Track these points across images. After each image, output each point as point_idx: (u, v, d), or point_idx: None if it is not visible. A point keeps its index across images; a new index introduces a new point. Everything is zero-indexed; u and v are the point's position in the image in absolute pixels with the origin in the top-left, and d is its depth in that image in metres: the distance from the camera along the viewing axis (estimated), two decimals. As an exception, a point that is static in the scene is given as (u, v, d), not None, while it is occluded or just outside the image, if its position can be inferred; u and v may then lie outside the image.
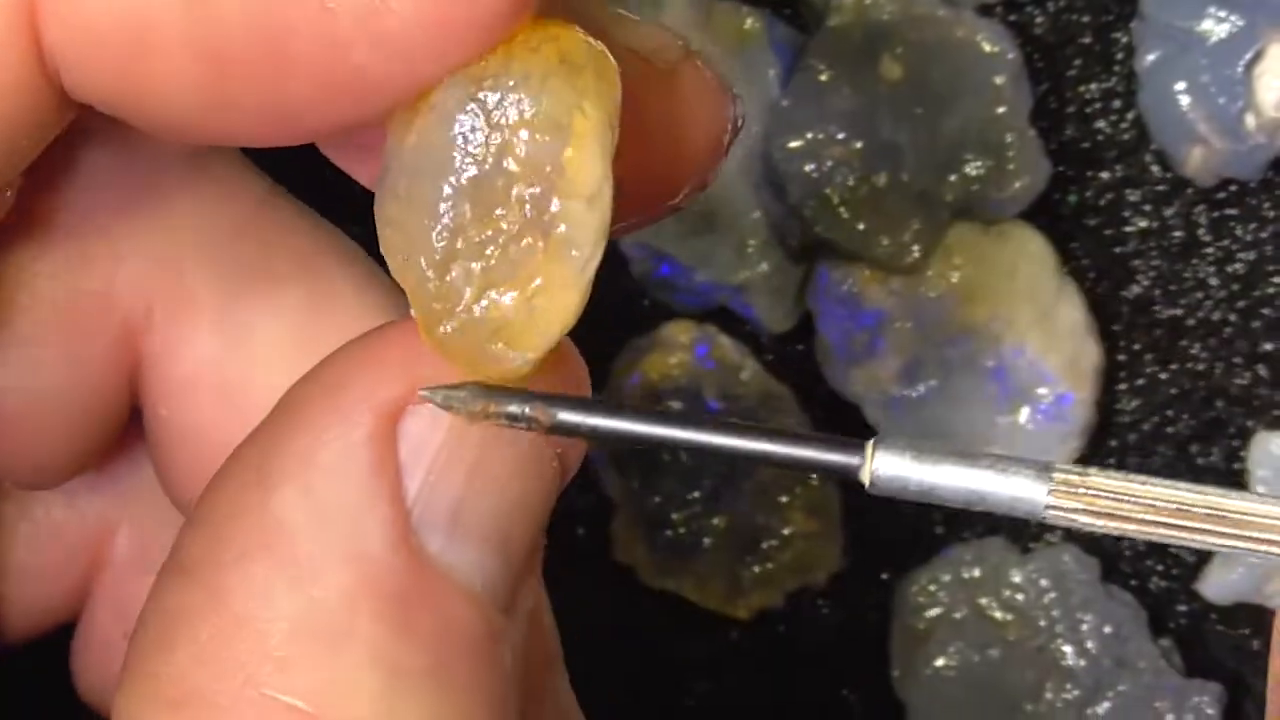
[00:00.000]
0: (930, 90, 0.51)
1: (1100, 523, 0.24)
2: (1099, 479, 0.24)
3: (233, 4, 0.24)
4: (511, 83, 0.26)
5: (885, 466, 0.25)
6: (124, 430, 0.33)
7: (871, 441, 0.25)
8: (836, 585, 0.53)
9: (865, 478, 0.25)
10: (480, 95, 0.26)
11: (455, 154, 0.26)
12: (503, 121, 0.26)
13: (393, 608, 0.25)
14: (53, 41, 0.24)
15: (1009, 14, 0.53)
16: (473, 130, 0.26)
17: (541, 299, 0.26)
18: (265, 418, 0.27)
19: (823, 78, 0.52)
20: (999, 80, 0.51)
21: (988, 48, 0.52)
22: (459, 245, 0.26)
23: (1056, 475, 0.24)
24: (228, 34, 0.24)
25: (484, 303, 0.26)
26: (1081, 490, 0.24)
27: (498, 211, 0.26)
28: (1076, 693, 0.51)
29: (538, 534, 0.27)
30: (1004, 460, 0.25)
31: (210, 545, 0.26)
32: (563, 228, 0.26)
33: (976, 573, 0.52)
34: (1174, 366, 0.53)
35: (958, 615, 0.51)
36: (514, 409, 0.26)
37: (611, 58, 0.26)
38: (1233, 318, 0.53)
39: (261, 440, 0.27)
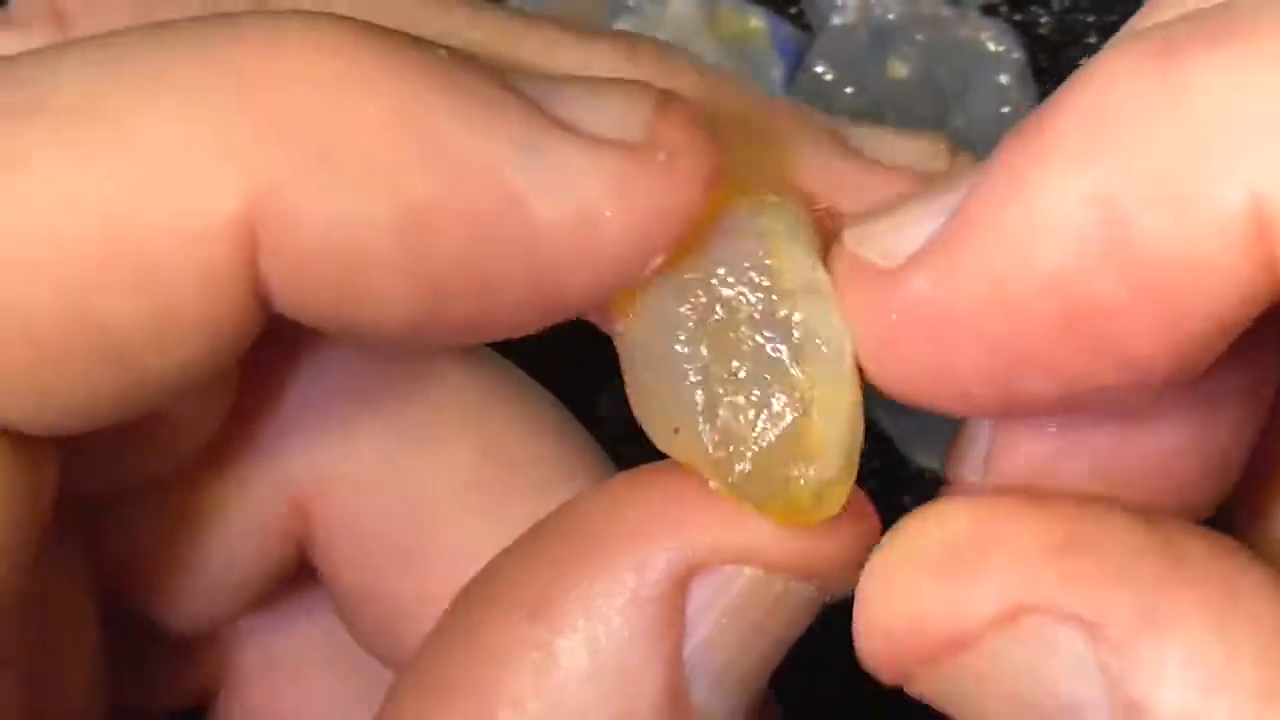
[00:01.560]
0: (935, 90, 0.51)
1: None
2: None
3: (449, 235, 0.24)
4: (710, 239, 0.26)
5: None
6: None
7: None
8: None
9: None
10: (690, 262, 0.26)
11: (683, 314, 0.27)
12: (714, 270, 0.27)
13: None
14: (268, 269, 0.24)
15: (1014, 13, 0.53)
16: (691, 290, 0.27)
17: (814, 396, 0.26)
18: (543, 539, 0.27)
19: (827, 77, 0.52)
20: (1004, 80, 0.51)
21: (993, 47, 0.52)
22: (717, 391, 0.27)
23: None
24: (442, 263, 0.25)
25: (761, 427, 0.26)
26: None
27: (736, 345, 0.27)
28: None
29: (783, 655, 0.28)
30: None
31: (485, 673, 0.26)
32: (796, 317, 0.26)
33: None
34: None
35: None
36: None
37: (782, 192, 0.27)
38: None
39: (545, 569, 0.27)
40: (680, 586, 0.26)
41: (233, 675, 0.35)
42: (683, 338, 0.27)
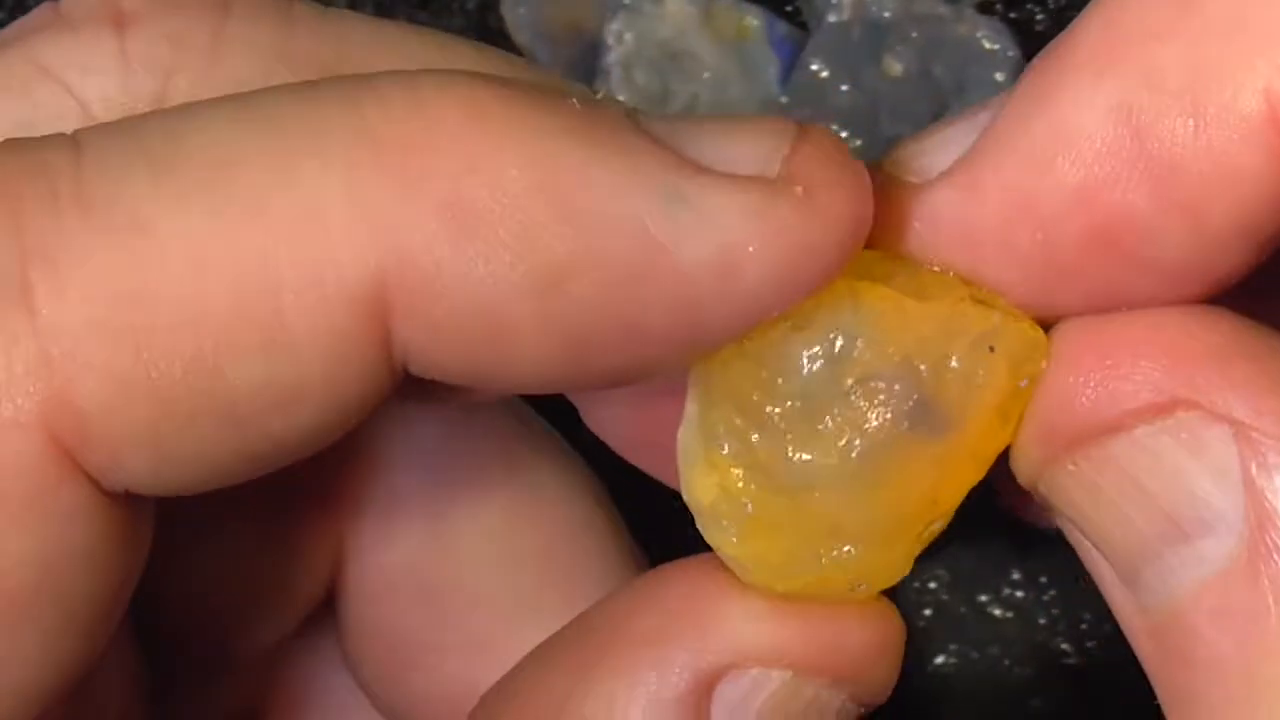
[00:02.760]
0: (931, 88, 0.51)
1: None
2: None
3: (589, 291, 0.24)
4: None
5: None
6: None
7: None
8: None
9: None
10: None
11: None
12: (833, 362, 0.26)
13: None
14: (404, 333, 0.24)
15: (1009, 11, 0.53)
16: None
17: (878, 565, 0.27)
18: (561, 645, 0.27)
19: (823, 75, 0.52)
20: (1000, 77, 0.51)
21: (988, 45, 0.52)
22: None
23: None
24: (583, 318, 0.24)
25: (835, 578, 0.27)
26: None
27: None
28: (1077, 689, 0.51)
29: None
30: None
31: None
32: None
33: (976, 570, 0.52)
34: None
35: (957, 613, 0.51)
36: None
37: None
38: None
39: (564, 674, 0.26)
40: (704, 689, 0.26)
41: (271, 695, 0.35)
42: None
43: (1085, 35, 0.24)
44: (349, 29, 0.28)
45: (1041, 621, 0.51)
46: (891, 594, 0.54)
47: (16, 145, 0.24)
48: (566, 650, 0.27)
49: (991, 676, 0.51)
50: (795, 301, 0.25)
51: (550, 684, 0.26)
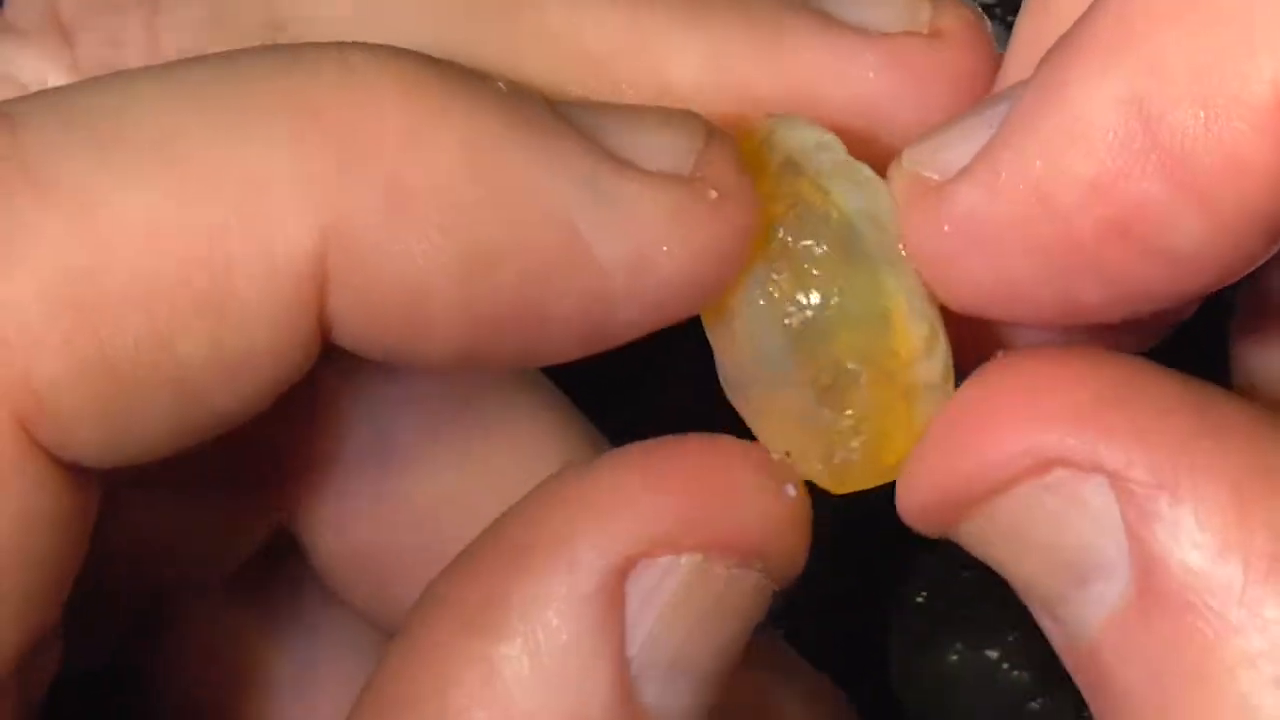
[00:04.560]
0: (930, 91, 0.51)
1: None
2: None
3: (511, 277, 0.25)
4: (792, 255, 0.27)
5: None
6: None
7: None
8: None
9: None
10: (774, 277, 0.27)
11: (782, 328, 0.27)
12: (806, 282, 0.27)
13: None
14: (336, 304, 0.25)
15: (1008, 15, 0.53)
16: (785, 299, 0.27)
17: (921, 418, 0.27)
18: (479, 551, 0.27)
19: (822, 79, 0.52)
20: (998, 81, 0.52)
21: (987, 49, 0.52)
22: (830, 431, 0.27)
23: None
24: (502, 303, 0.25)
25: (875, 456, 0.27)
26: None
27: (841, 379, 0.27)
28: (1076, 691, 0.51)
29: (740, 655, 0.28)
30: None
31: (432, 691, 0.26)
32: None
33: (976, 571, 0.52)
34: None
35: (957, 615, 0.52)
36: None
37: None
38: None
39: (481, 582, 0.27)
40: (616, 582, 0.26)
41: (179, 642, 0.35)
42: (787, 373, 0.27)
43: (1096, 24, 0.24)
44: None
45: (1041, 623, 0.51)
46: (892, 595, 0.54)
47: None
48: (484, 559, 0.27)
49: (991, 678, 0.51)
50: (698, 302, 0.26)
51: (469, 593, 0.27)
